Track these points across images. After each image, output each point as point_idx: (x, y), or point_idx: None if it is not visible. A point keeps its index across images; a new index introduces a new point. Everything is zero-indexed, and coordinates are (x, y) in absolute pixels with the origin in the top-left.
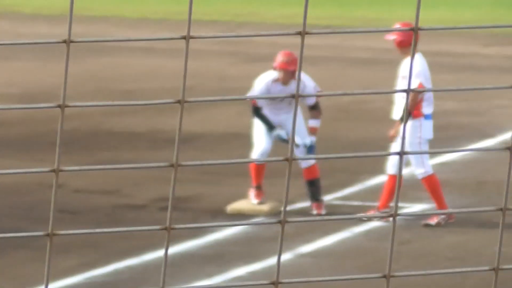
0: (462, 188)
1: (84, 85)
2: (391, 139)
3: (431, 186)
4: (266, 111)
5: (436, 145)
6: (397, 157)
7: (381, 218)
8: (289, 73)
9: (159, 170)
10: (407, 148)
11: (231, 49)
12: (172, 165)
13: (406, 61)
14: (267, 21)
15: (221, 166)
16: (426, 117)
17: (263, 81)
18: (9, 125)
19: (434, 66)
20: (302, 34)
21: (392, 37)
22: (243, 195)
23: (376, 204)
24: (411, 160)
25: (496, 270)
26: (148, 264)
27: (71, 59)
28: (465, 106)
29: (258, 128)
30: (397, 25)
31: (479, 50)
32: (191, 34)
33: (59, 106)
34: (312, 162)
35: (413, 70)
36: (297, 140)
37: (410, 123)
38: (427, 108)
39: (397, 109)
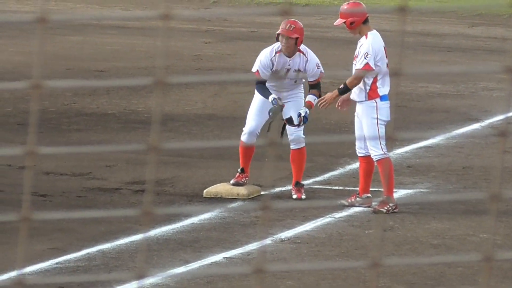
0: (448, 174)
1: (54, 65)
2: (324, 106)
3: (385, 169)
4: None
5: (422, 129)
6: (363, 139)
7: (362, 203)
8: (291, 41)
9: (132, 153)
10: (365, 130)
11: (206, 28)
12: (150, 149)
13: (361, 40)
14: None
15: (196, 148)
16: (382, 98)
17: (267, 53)
18: None
19: (419, 47)
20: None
21: (341, 21)
22: (220, 178)
23: (357, 188)
24: (368, 141)
25: (489, 259)
26: (122, 249)
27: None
28: (451, 88)
29: (252, 106)
30: (344, 7)
31: (465, 31)
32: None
33: (33, 86)
34: (302, 144)
35: (363, 50)
36: (291, 113)
37: (365, 104)
38: (382, 89)
39: (354, 90)
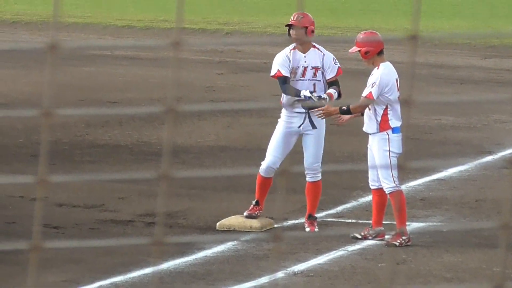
0: (461, 206)
1: (66, 95)
2: (321, 115)
3: (398, 202)
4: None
5: (434, 161)
6: (375, 171)
7: (375, 236)
8: (301, 31)
9: (145, 184)
10: (377, 162)
11: (219, 59)
12: (161, 177)
13: (373, 71)
14: (255, 30)
15: (209, 180)
16: (394, 130)
17: (281, 53)
18: None
19: (432, 79)
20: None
21: (356, 49)
22: (233, 211)
23: (370, 221)
24: (380, 174)
25: None
26: (135, 282)
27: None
28: (463, 121)
29: (272, 138)
30: (361, 36)
31: (478, 63)
32: (178, 39)
33: (44, 114)
34: (319, 176)
35: (372, 79)
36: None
37: (377, 136)
38: (394, 121)
39: (366, 121)
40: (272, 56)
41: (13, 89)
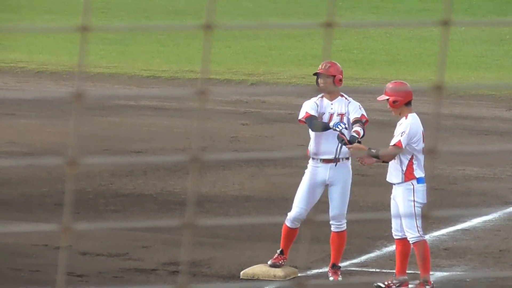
0: (484, 256)
1: (91, 145)
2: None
3: (422, 251)
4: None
5: (459, 211)
6: (399, 221)
7: (399, 285)
8: (328, 80)
9: (169, 233)
10: (401, 212)
11: (244, 110)
12: (185, 226)
13: (400, 121)
14: (281, 81)
15: (233, 229)
16: (419, 180)
17: (311, 100)
18: (12, 184)
19: (456, 130)
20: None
21: (385, 97)
22: (256, 260)
23: (394, 271)
24: (404, 223)
25: None
26: None
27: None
28: (487, 171)
29: (299, 190)
30: (390, 85)
31: (503, 114)
32: (204, 88)
33: (69, 162)
34: (343, 227)
35: (401, 129)
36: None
37: (403, 186)
38: (418, 171)
39: (391, 171)
40: (297, 107)
41: (37, 139)
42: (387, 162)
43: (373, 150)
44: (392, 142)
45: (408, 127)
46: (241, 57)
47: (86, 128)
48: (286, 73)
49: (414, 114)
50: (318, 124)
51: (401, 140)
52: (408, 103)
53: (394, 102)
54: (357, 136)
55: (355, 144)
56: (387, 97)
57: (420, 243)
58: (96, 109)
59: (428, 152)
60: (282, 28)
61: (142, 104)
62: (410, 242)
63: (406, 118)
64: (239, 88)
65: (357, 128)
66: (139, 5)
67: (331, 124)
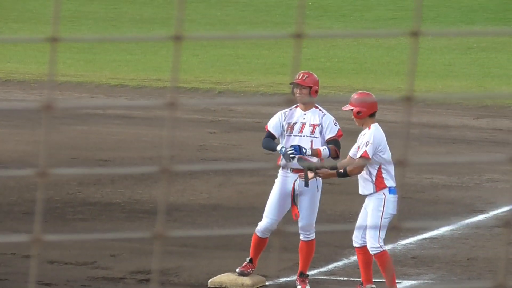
0: (452, 265)
1: (59, 154)
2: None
3: (384, 263)
4: (284, 142)
5: (426, 220)
6: (361, 230)
7: None
8: (305, 90)
9: (137, 242)
10: (368, 220)
11: (211, 118)
12: (155, 237)
13: (363, 131)
14: (248, 89)
15: (201, 238)
16: (390, 190)
17: (284, 110)
18: None
19: (424, 138)
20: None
21: (349, 107)
22: (224, 268)
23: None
24: (368, 233)
25: None
26: None
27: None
28: (455, 179)
29: (269, 200)
30: (355, 96)
31: (470, 122)
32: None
33: (40, 174)
34: (312, 236)
35: (365, 139)
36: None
37: (374, 196)
38: (389, 181)
39: (361, 183)
40: (265, 116)
41: (5, 148)
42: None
43: (341, 171)
44: (358, 154)
45: (371, 136)
46: (209, 65)
47: (53, 137)
48: (253, 81)
49: (377, 124)
50: (267, 142)
51: (367, 151)
52: (372, 115)
53: (358, 113)
54: (309, 152)
55: (324, 170)
56: (352, 108)
57: (380, 255)
58: (64, 117)
59: (398, 163)
60: (251, 38)
61: (110, 112)
62: (371, 252)
63: (369, 128)
64: (207, 98)
65: (320, 147)
66: (107, 14)
67: (277, 148)
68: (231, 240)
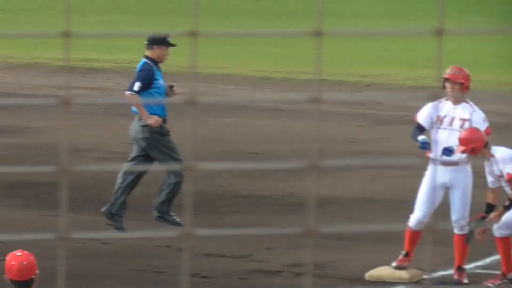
0: None
1: (208, 147)
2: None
3: (506, 247)
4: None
5: None
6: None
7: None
8: (456, 86)
9: (291, 235)
10: None
11: (359, 111)
12: (307, 233)
13: (493, 160)
14: (395, 83)
15: (356, 231)
16: None
17: (434, 101)
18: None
19: None
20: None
21: (462, 148)
22: (381, 262)
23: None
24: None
25: None
26: None
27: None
28: None
29: (420, 192)
30: (464, 133)
31: None
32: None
33: (188, 168)
34: (467, 229)
35: (506, 163)
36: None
37: None
38: None
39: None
40: (413, 109)
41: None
42: None
43: (506, 203)
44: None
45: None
46: (355, 58)
47: (202, 129)
48: (400, 74)
49: (495, 147)
50: (416, 133)
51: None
52: (486, 145)
53: (472, 150)
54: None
55: (492, 217)
56: (464, 147)
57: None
58: (212, 110)
59: None
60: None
61: (257, 105)
62: (495, 235)
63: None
64: (352, 90)
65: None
66: (247, 7)
67: (419, 138)
68: (386, 233)
